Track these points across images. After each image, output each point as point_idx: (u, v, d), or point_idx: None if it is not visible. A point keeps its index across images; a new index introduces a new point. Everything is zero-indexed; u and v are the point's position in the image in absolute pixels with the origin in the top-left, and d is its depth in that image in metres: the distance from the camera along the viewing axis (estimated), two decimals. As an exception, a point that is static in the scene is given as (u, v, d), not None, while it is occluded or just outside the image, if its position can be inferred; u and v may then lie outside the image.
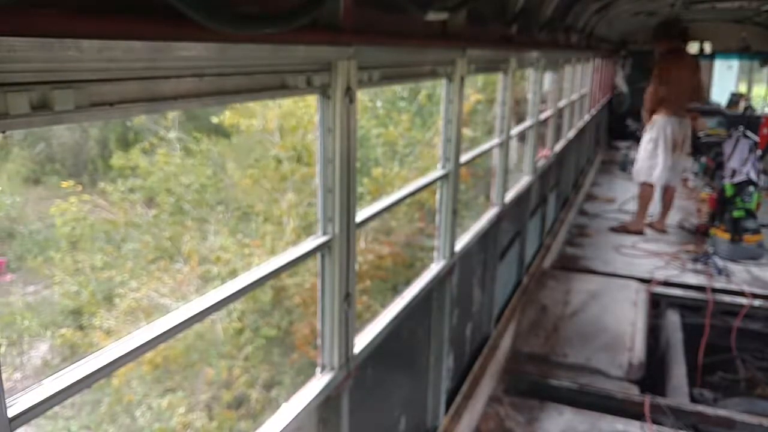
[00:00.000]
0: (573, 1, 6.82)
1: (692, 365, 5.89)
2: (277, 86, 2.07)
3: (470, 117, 12.56)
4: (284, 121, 10.36)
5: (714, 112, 15.89)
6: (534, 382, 5.25)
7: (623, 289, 6.72)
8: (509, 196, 5.52)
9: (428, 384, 4.00)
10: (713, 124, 14.93)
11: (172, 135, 10.39)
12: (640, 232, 8.69)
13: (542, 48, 6.10)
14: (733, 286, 6.85)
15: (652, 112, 8.29)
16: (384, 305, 3.79)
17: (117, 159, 10.23)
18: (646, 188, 8.57)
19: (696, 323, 6.49)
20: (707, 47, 14.92)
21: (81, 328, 9.06)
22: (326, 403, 2.57)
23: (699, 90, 8.39)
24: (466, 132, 11.49)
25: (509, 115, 5.17)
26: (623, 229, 8.85)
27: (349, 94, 2.34)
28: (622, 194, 11.02)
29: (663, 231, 8.77)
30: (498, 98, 5.21)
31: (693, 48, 13.66)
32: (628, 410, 4.90)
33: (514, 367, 5.46)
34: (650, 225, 8.93)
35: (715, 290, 6.73)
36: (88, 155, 12.81)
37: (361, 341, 2.80)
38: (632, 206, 9.43)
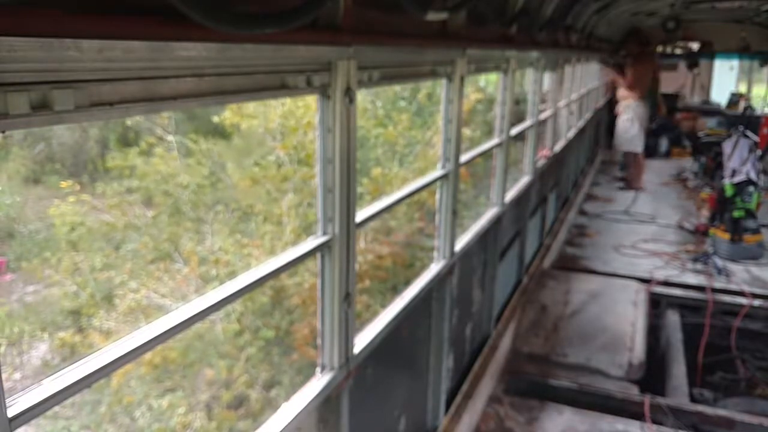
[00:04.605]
0: (573, 1, 6.82)
1: (692, 365, 5.89)
2: (277, 86, 2.07)
3: (471, 117, 12.55)
4: (284, 121, 10.36)
5: (714, 112, 15.91)
6: (534, 382, 5.25)
7: (623, 289, 6.72)
8: (509, 196, 5.52)
9: (428, 384, 4.00)
10: (713, 124, 14.94)
11: (171, 138, 10.38)
12: (640, 188, 11.22)
13: (542, 48, 6.10)
14: (733, 286, 6.85)
15: (624, 97, 11.13)
16: (384, 305, 3.79)
17: (113, 160, 10.21)
18: (629, 155, 11.43)
19: (696, 323, 6.49)
20: (707, 47, 14.91)
21: (80, 329, 9.05)
22: (326, 403, 2.57)
23: (655, 82, 11.86)
24: (466, 132, 11.49)
25: (509, 115, 5.17)
26: (628, 186, 11.40)
27: (348, 94, 2.34)
28: (622, 194, 11.03)
29: (641, 189, 11.28)
30: (498, 98, 5.21)
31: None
32: (628, 410, 4.90)
33: (514, 367, 5.46)
34: (631, 186, 11.41)
35: (715, 290, 6.73)
36: (88, 155, 12.80)
37: (361, 341, 2.80)
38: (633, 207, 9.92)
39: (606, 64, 11.86)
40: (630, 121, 11.01)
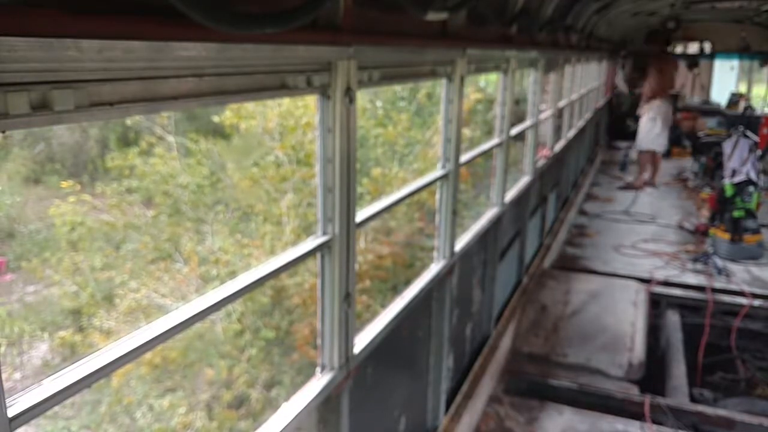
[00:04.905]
0: (573, 1, 6.82)
1: (692, 365, 5.89)
2: (277, 86, 2.07)
3: (471, 117, 12.56)
4: (283, 121, 10.36)
5: (714, 112, 15.90)
6: (534, 382, 5.25)
7: (623, 289, 6.72)
8: (509, 196, 5.52)
9: (428, 384, 4.01)
10: (713, 124, 14.93)
11: (171, 139, 10.38)
12: (641, 188, 11.36)
13: (542, 48, 6.10)
14: (733, 286, 6.84)
15: (650, 97, 11.29)
16: (384, 305, 3.79)
17: (113, 160, 10.21)
18: (645, 155, 11.49)
19: (696, 323, 6.49)
20: (707, 47, 14.91)
21: (81, 329, 9.06)
22: (326, 403, 2.57)
23: (673, 81, 11.83)
24: (466, 132, 11.50)
25: (509, 115, 5.17)
26: (629, 187, 11.51)
27: (349, 94, 2.34)
28: (622, 194, 11.03)
29: (654, 186, 11.55)
30: (498, 98, 5.21)
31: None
32: (628, 410, 4.90)
33: (514, 367, 5.46)
34: (645, 183, 11.54)
35: (715, 290, 6.72)
36: (88, 155, 12.81)
37: (361, 341, 2.80)
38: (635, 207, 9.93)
39: (622, 67, 12.23)
40: (653, 120, 11.15)
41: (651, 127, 11.14)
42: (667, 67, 11.30)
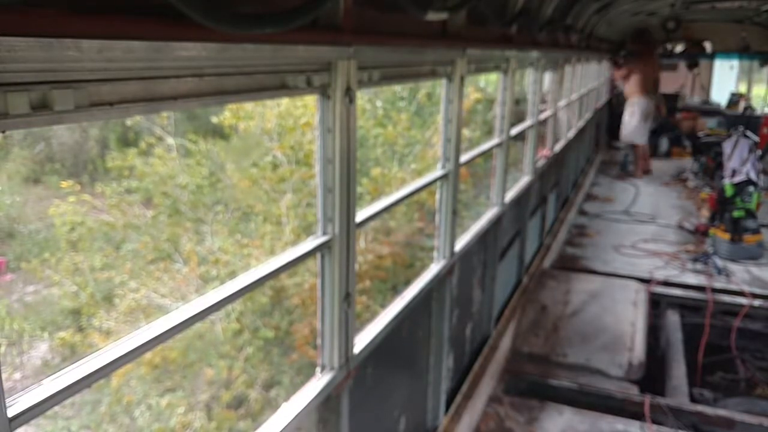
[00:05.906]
0: (573, 1, 6.82)
1: (692, 365, 5.89)
2: (277, 86, 2.07)
3: (471, 117, 12.57)
4: (282, 121, 10.36)
5: (714, 112, 15.90)
6: (534, 382, 5.25)
7: (623, 289, 6.72)
8: (509, 196, 5.52)
9: (428, 384, 4.00)
10: (713, 124, 14.94)
11: (171, 140, 10.37)
12: (640, 176, 12.30)
13: (542, 48, 6.10)
14: (733, 286, 6.84)
15: (631, 94, 12.14)
16: (383, 305, 3.78)
17: (113, 160, 10.21)
18: (639, 147, 12.38)
19: (696, 323, 6.49)
20: (707, 47, 14.92)
21: (81, 329, 9.05)
22: (326, 402, 2.57)
23: (655, 83, 12.40)
24: (466, 132, 11.50)
25: (509, 115, 5.18)
26: (628, 175, 12.43)
27: (349, 94, 2.34)
28: (622, 194, 11.03)
29: (650, 173, 12.58)
30: (498, 98, 5.21)
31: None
32: (628, 410, 4.90)
33: (514, 367, 5.46)
34: (644, 172, 12.52)
35: (715, 290, 6.72)
36: (88, 155, 12.82)
37: (361, 341, 2.80)
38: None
39: (616, 64, 12.50)
40: (630, 114, 12.02)
41: (628, 121, 12.08)
42: (648, 68, 11.99)
